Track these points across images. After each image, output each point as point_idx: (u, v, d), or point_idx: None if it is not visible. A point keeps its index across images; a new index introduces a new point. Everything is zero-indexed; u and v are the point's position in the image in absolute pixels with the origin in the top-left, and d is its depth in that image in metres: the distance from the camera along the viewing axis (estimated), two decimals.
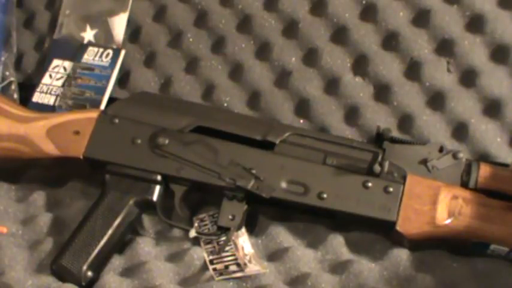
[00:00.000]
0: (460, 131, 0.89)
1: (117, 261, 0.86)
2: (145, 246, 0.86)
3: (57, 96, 1.02)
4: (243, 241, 0.84)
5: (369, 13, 0.96)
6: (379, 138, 0.84)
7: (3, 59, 1.05)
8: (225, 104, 0.97)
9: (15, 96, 1.05)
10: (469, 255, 0.81)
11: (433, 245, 0.82)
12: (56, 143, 0.88)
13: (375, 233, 0.84)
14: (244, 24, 1.00)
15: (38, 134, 0.89)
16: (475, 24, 0.91)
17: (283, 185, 0.83)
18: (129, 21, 1.05)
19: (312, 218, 0.86)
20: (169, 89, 1.00)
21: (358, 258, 0.82)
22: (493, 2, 0.91)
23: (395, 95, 0.92)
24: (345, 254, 0.84)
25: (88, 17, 1.06)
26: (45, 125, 0.89)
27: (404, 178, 0.82)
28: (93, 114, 0.89)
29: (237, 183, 0.83)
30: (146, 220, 0.89)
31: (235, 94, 0.98)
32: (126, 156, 0.86)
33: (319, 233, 0.86)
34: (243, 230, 0.84)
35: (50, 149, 0.88)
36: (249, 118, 0.94)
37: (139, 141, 0.86)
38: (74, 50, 1.05)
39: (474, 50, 0.91)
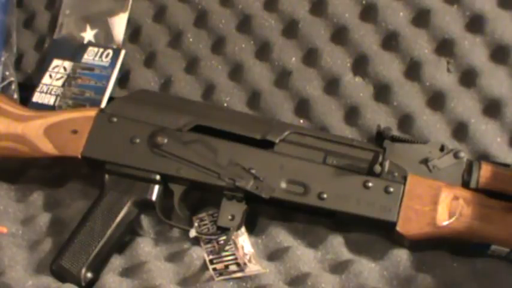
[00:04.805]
0: (460, 131, 0.89)
1: (117, 261, 0.86)
2: (145, 246, 0.86)
3: (57, 96, 1.02)
4: (243, 241, 0.84)
5: (369, 13, 0.96)
6: (379, 137, 0.84)
7: (3, 59, 1.05)
8: (225, 104, 0.97)
9: (15, 96, 1.05)
10: (469, 255, 0.81)
11: (434, 245, 0.82)
12: (53, 142, 0.88)
13: (375, 233, 0.84)
14: (244, 24, 1.00)
15: (36, 133, 0.89)
16: (475, 24, 0.91)
17: (283, 185, 0.83)
18: (129, 21, 1.05)
19: (312, 218, 0.86)
20: (170, 89, 1.00)
21: (358, 258, 0.82)
22: (493, 2, 0.91)
23: (395, 95, 0.92)
24: (345, 254, 0.84)
25: (88, 17, 1.06)
26: (43, 124, 0.89)
27: (405, 178, 0.81)
28: (91, 113, 0.89)
29: (237, 183, 0.83)
30: (146, 220, 0.89)
31: (235, 94, 0.98)
32: (124, 155, 0.86)
33: (319, 233, 0.86)
34: (243, 229, 0.84)
35: (48, 148, 0.88)
36: (249, 117, 0.94)
37: (138, 140, 0.86)
38: (74, 50, 1.05)
39: (474, 50, 0.91)
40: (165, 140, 0.85)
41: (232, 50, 1.00)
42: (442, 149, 0.83)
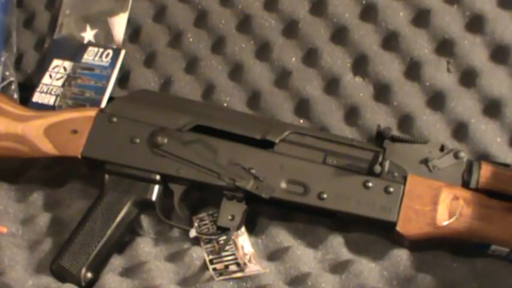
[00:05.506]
0: (460, 131, 0.89)
1: (117, 261, 0.86)
2: (145, 246, 0.86)
3: (57, 96, 1.02)
4: (243, 240, 0.84)
5: (369, 13, 0.96)
6: (379, 137, 0.84)
7: (3, 59, 1.05)
8: (225, 104, 0.97)
9: (15, 96, 1.05)
10: (469, 255, 0.81)
11: (434, 245, 0.82)
12: (53, 142, 0.88)
13: (375, 233, 0.84)
14: (244, 24, 1.00)
15: (36, 133, 0.89)
16: (475, 24, 0.91)
17: (283, 185, 0.83)
18: (129, 21, 1.05)
19: (312, 218, 0.86)
20: (170, 89, 1.00)
21: (358, 258, 0.82)
22: (493, 2, 0.91)
23: (395, 95, 0.92)
24: (345, 254, 0.84)
25: (88, 17, 1.06)
26: (43, 123, 0.89)
27: (405, 178, 0.81)
28: (91, 113, 0.89)
29: (237, 183, 0.82)
30: (146, 220, 0.89)
31: (235, 94, 0.98)
32: (124, 155, 0.86)
33: (319, 233, 0.86)
34: (243, 229, 0.84)
35: (48, 148, 0.88)
36: (249, 116, 0.93)
37: (138, 140, 0.86)
38: (74, 50, 1.05)
39: (474, 50, 0.91)
40: (165, 140, 0.85)
41: (232, 50, 1.00)
42: (442, 149, 0.83)
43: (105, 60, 1.02)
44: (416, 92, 0.92)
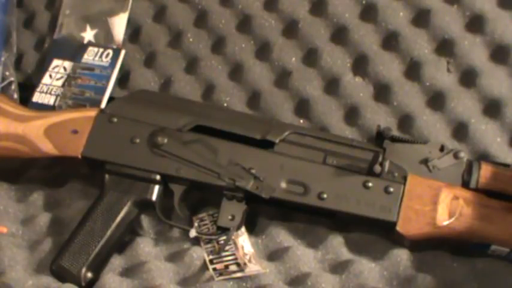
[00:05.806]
0: (460, 131, 0.89)
1: (117, 261, 0.86)
2: (145, 246, 0.86)
3: (57, 96, 1.02)
4: (243, 240, 0.84)
5: (369, 13, 0.96)
6: (379, 137, 0.84)
7: (3, 59, 1.05)
8: (225, 104, 0.97)
9: (15, 96, 1.05)
10: (469, 255, 0.81)
11: (434, 245, 0.82)
12: (54, 143, 0.88)
13: (375, 233, 0.84)
14: (244, 24, 1.00)
15: (36, 133, 0.89)
16: (475, 24, 0.91)
17: (283, 185, 0.83)
18: (129, 21, 1.05)
19: (312, 218, 0.86)
20: (170, 89, 1.00)
21: (358, 258, 0.82)
22: (493, 2, 0.91)
23: (395, 95, 0.92)
24: (345, 254, 0.84)
25: (88, 17, 1.06)
26: (43, 124, 0.89)
27: (405, 178, 0.81)
28: (92, 113, 0.89)
29: (237, 183, 0.83)
30: (146, 220, 0.89)
31: (235, 94, 0.98)
32: (124, 155, 0.86)
33: (319, 233, 0.86)
34: (243, 229, 0.84)
35: (48, 148, 0.88)
36: (249, 117, 0.93)
37: (138, 140, 0.86)
38: (74, 50, 1.05)
39: (474, 50, 0.91)
40: (165, 140, 0.85)
41: (232, 50, 1.00)
42: (442, 149, 0.83)
43: (105, 60, 1.02)
44: (416, 92, 0.92)
